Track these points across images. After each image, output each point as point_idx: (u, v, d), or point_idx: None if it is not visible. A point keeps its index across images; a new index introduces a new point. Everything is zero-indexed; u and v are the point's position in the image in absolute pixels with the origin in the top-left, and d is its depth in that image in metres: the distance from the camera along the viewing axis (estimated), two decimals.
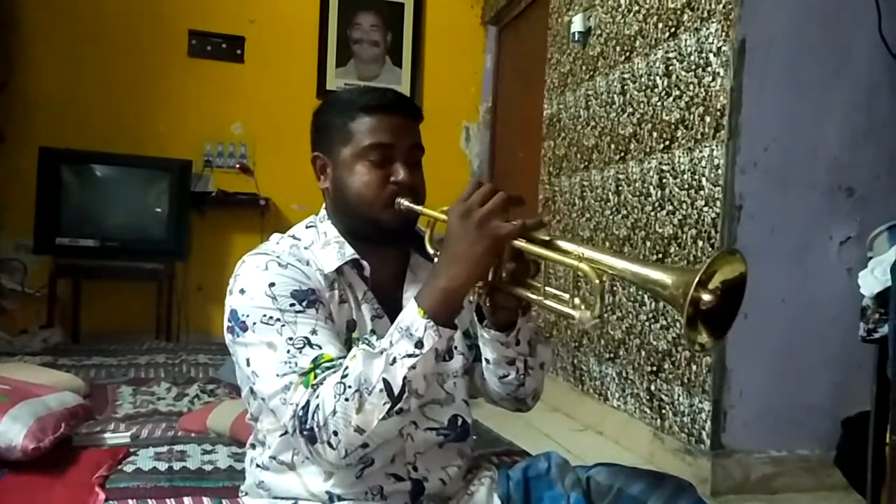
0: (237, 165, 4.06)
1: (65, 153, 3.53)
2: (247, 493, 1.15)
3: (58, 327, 3.46)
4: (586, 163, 3.18)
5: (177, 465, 1.50)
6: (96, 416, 1.83)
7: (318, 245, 1.08)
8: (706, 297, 0.83)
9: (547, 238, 0.95)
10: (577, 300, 0.92)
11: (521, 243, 0.93)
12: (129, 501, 1.32)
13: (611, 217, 2.94)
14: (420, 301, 0.92)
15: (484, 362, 1.12)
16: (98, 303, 3.75)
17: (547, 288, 0.96)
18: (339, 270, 1.06)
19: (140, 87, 3.93)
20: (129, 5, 3.94)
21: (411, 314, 0.92)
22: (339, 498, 1.02)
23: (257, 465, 1.09)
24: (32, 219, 3.46)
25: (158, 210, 3.65)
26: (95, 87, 3.86)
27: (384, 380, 0.89)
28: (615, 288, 2.83)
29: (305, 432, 0.92)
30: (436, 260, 1.01)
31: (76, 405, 1.68)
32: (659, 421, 2.52)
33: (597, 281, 0.87)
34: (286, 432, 0.99)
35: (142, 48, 3.94)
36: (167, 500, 1.33)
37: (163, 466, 1.49)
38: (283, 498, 1.06)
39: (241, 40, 4.13)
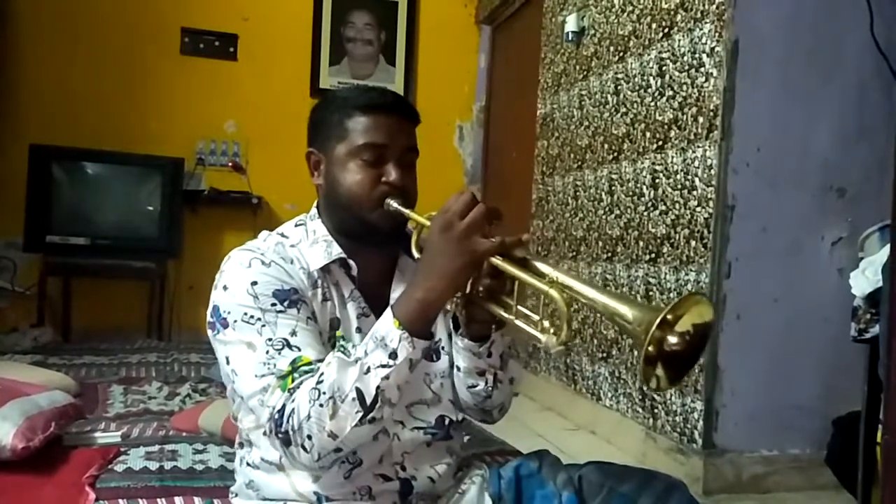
0: (230, 164, 4.05)
1: (55, 150, 3.51)
2: (237, 495, 1.14)
3: (48, 326, 3.44)
4: (579, 162, 3.19)
5: (168, 465, 1.49)
6: (87, 416, 1.81)
7: (307, 243, 1.08)
8: (670, 338, 0.84)
9: (524, 257, 0.95)
10: (546, 323, 0.93)
11: (497, 261, 0.94)
12: (120, 501, 1.31)
13: (604, 217, 2.94)
14: (396, 312, 0.92)
15: (455, 370, 1.12)
16: (89, 301, 3.73)
17: (519, 307, 0.96)
18: (325, 269, 1.06)
19: (132, 85, 3.90)
20: (122, 3, 3.92)
21: (387, 325, 0.92)
22: (328, 499, 1.02)
23: (248, 465, 1.09)
24: (22, 216, 3.43)
25: (150, 208, 3.64)
26: (87, 85, 3.84)
27: (357, 389, 0.90)
28: (608, 287, 2.84)
29: (280, 435, 0.93)
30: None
31: (67, 404, 1.67)
32: (651, 420, 2.52)
33: (564, 308, 0.88)
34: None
35: (134, 45, 3.92)
36: (158, 500, 1.32)
37: (154, 466, 1.48)
38: (272, 500, 1.06)
39: (235, 38, 4.11)
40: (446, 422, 1.12)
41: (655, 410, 2.50)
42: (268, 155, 4.09)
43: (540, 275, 0.93)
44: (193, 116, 4.01)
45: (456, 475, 1.16)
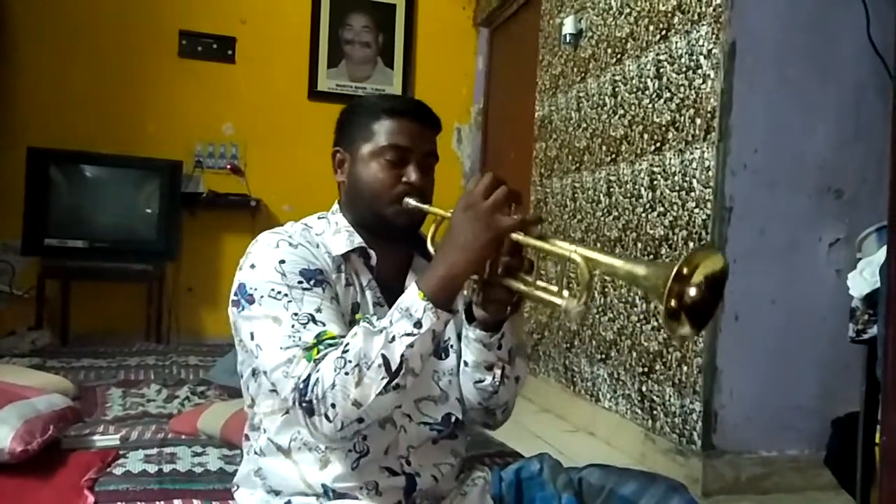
0: (228, 166, 4.05)
1: (54, 153, 3.51)
2: (239, 487, 1.15)
3: (46, 329, 3.43)
4: (578, 164, 3.19)
5: (167, 468, 1.49)
6: (85, 419, 1.81)
7: (329, 233, 1.12)
8: (687, 288, 0.89)
9: (542, 234, 0.99)
10: (565, 292, 0.97)
11: (518, 236, 0.97)
12: None
13: (602, 218, 2.95)
14: (421, 285, 0.96)
15: (462, 365, 1.13)
16: (87, 304, 3.72)
17: (538, 282, 1.00)
18: (345, 257, 1.10)
19: (130, 88, 3.90)
20: (120, 5, 3.92)
21: (412, 296, 0.95)
22: (335, 492, 1.03)
23: (255, 453, 1.10)
24: (20, 219, 3.43)
25: (148, 211, 3.63)
26: (85, 87, 3.84)
27: (383, 356, 0.92)
28: (606, 289, 2.84)
29: (304, 404, 0.94)
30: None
31: (65, 407, 1.67)
32: (650, 422, 2.52)
33: (586, 272, 0.92)
34: (285, 413, 1.03)
35: (132, 48, 3.92)
36: (157, 503, 1.32)
37: (152, 469, 1.48)
38: (278, 490, 1.07)
39: (233, 41, 4.11)
40: (452, 419, 1.13)
41: (654, 412, 2.50)
42: (266, 157, 4.09)
43: (559, 247, 0.97)
44: (191, 119, 4.01)
45: (458, 477, 1.17)
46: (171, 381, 2.38)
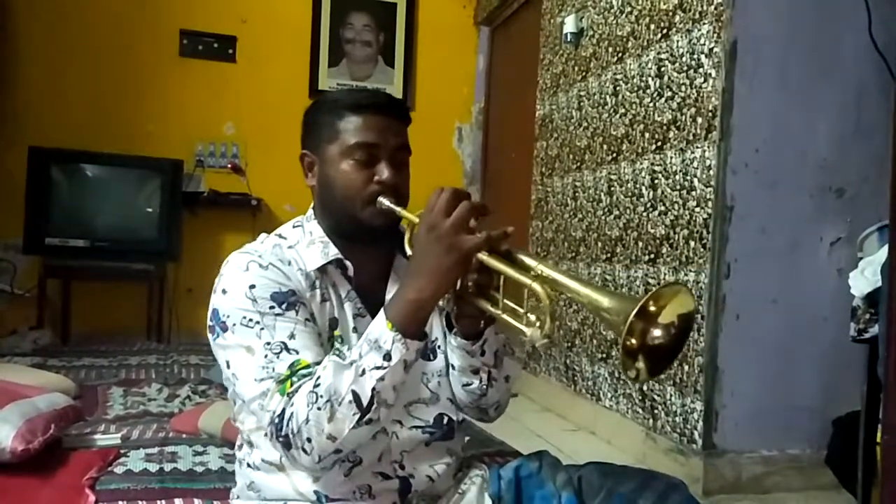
0: (229, 165, 4.05)
1: (55, 153, 3.51)
2: (238, 497, 1.14)
3: (47, 328, 3.44)
4: (578, 163, 3.19)
5: (168, 467, 1.49)
6: (86, 418, 1.82)
7: (304, 244, 1.09)
8: (651, 329, 0.84)
9: (509, 250, 0.96)
10: (532, 317, 0.93)
11: (483, 257, 0.94)
12: (120, 503, 1.31)
13: (603, 217, 2.94)
14: (388, 313, 0.93)
15: (450, 368, 1.13)
16: (88, 303, 3.72)
17: (505, 301, 0.97)
18: (322, 269, 1.07)
19: (131, 87, 3.91)
20: (121, 5, 3.92)
21: (380, 327, 0.93)
22: (328, 498, 1.03)
23: (248, 466, 1.09)
24: (22, 219, 3.43)
25: (149, 210, 3.63)
26: (86, 87, 3.84)
27: (353, 391, 0.91)
28: (607, 286, 2.84)
29: (281, 438, 0.94)
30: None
31: (66, 406, 1.67)
32: (651, 421, 2.52)
33: (546, 302, 0.88)
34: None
35: (133, 48, 3.92)
36: (158, 502, 1.32)
37: (153, 468, 1.48)
38: (272, 500, 1.06)
39: (233, 40, 4.11)
40: (445, 420, 1.12)
41: (655, 411, 2.50)
42: (267, 156, 4.08)
43: (525, 268, 0.93)
44: (192, 118, 4.01)
45: (456, 475, 1.17)
46: (172, 380, 2.38)
